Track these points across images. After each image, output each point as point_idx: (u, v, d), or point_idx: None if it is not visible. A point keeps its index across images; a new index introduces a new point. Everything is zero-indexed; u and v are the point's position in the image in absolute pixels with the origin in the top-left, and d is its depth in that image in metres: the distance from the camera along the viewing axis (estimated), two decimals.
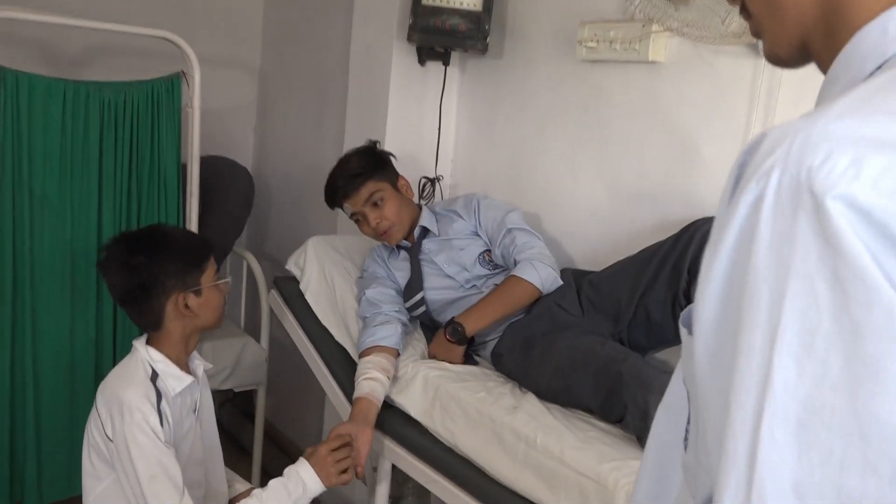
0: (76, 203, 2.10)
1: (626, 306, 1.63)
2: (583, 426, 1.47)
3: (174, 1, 2.80)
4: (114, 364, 2.18)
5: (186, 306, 1.49)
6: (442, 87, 2.19)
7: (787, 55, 0.60)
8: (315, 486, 1.51)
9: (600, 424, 1.49)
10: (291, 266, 2.06)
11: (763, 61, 1.40)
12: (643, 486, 0.69)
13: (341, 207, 1.87)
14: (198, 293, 1.51)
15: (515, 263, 1.75)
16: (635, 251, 1.67)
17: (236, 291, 2.64)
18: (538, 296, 1.72)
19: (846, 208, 0.41)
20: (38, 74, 2.04)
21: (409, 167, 2.11)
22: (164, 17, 2.60)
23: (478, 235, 1.89)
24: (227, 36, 2.99)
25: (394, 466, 1.73)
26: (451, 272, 1.84)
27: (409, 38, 2.05)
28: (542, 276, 1.70)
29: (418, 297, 1.85)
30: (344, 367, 1.84)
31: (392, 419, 1.67)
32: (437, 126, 2.21)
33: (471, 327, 1.69)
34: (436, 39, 2.03)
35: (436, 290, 1.85)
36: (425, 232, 1.90)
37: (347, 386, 1.78)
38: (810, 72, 0.60)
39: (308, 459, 1.53)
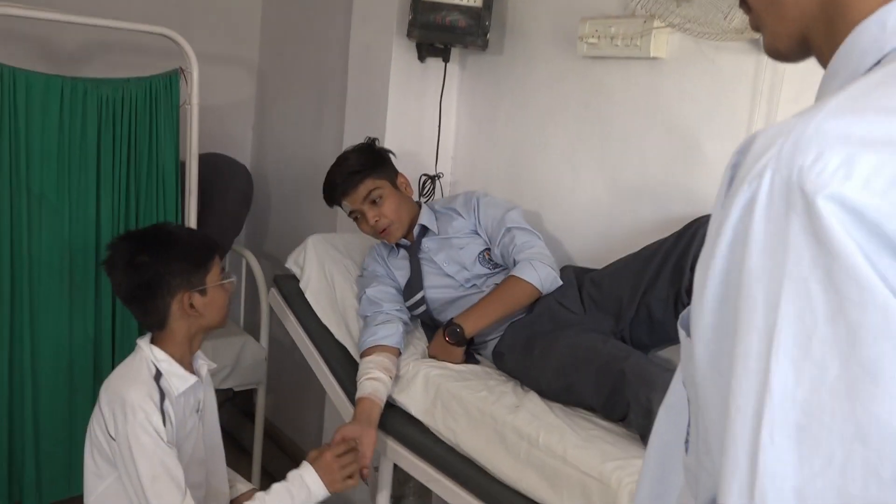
0: (74, 201, 2.09)
1: (628, 304, 1.62)
2: (585, 425, 1.46)
3: None
4: (113, 362, 2.19)
5: (191, 306, 1.49)
6: (442, 83, 2.18)
7: (787, 49, 0.60)
8: (319, 491, 1.49)
9: (603, 423, 1.48)
10: (291, 264, 2.05)
11: (765, 57, 1.39)
12: (645, 485, 0.69)
13: (340, 205, 1.86)
14: (203, 293, 1.50)
15: (515, 263, 1.74)
16: (636, 249, 1.66)
17: (235, 290, 2.62)
18: (538, 296, 1.71)
19: (838, 208, 0.41)
20: (36, 71, 2.02)
21: (409, 164, 2.09)
22: (162, 13, 2.59)
23: (477, 234, 1.88)
24: (225, 33, 2.97)
25: (395, 466, 1.72)
26: (450, 271, 1.83)
27: (409, 35, 2.04)
28: (541, 276, 1.69)
29: (418, 296, 1.84)
30: (344, 365, 1.83)
31: (393, 418, 1.66)
32: (438, 123, 2.20)
33: (470, 328, 1.68)
34: (436, 36, 2.02)
35: (436, 288, 1.84)
36: (424, 230, 1.88)
37: (348, 385, 1.77)
38: (813, 67, 0.59)
39: (312, 464, 1.51)
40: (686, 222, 1.59)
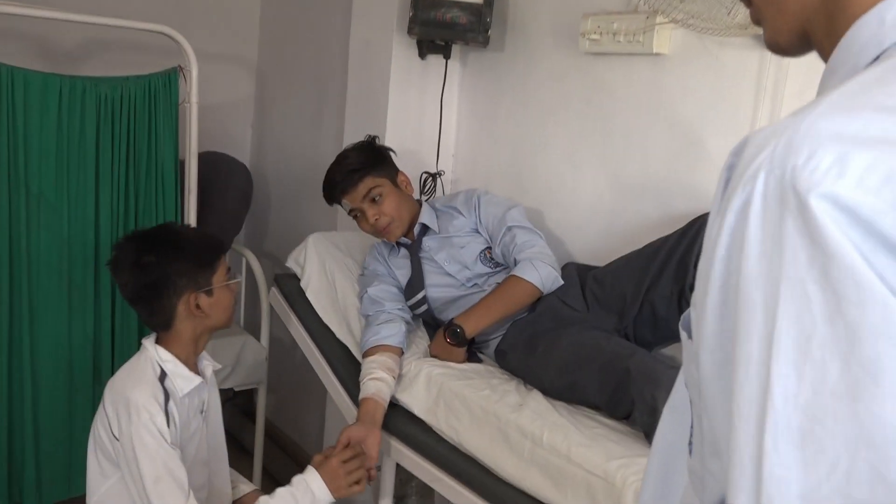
0: (73, 200, 2.08)
1: (632, 301, 1.61)
2: (589, 423, 1.45)
3: None
4: (113, 362, 2.18)
5: (198, 306, 1.48)
6: (443, 80, 2.17)
7: (788, 43, 0.59)
8: (324, 497, 1.48)
9: (607, 421, 1.47)
10: (292, 263, 2.04)
11: (769, 53, 1.38)
12: (649, 486, 0.69)
13: (339, 203, 1.85)
14: (209, 293, 1.49)
15: (516, 262, 1.73)
16: (639, 246, 1.66)
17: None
18: (539, 296, 1.70)
19: (831, 207, 0.40)
20: (34, 70, 2.01)
21: (410, 162, 2.08)
22: (161, 11, 2.57)
23: (478, 233, 1.86)
24: (224, 30, 2.96)
25: (397, 465, 1.71)
26: (451, 270, 1.82)
27: (410, 32, 2.03)
28: (542, 275, 1.68)
29: (420, 295, 1.83)
30: (346, 364, 1.82)
31: (395, 417, 1.65)
32: (439, 121, 2.19)
33: (470, 329, 1.67)
34: (436, 32, 2.01)
35: (437, 287, 1.83)
36: (425, 229, 1.87)
37: (350, 384, 1.76)
38: (818, 62, 0.58)
39: (318, 469, 1.50)
40: (689, 219, 1.58)
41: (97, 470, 1.46)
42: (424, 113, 2.21)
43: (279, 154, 3.01)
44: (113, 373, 2.15)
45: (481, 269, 1.82)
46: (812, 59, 0.59)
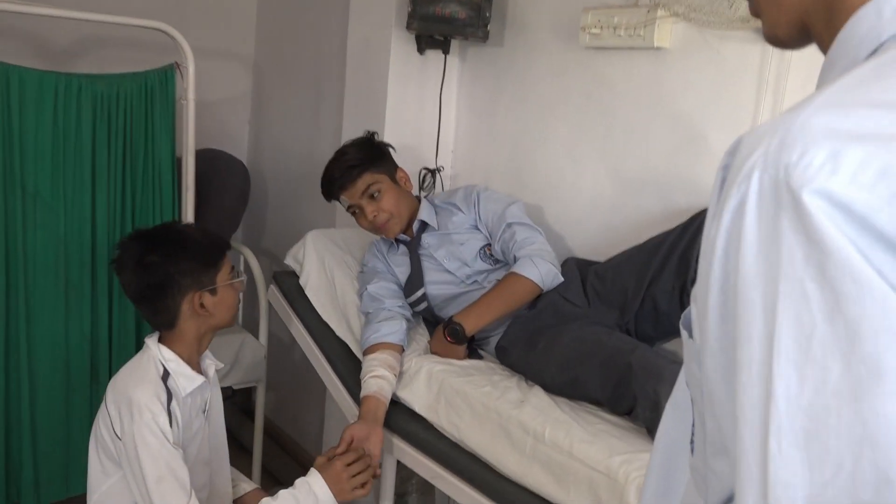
0: (69, 198, 2.07)
1: (633, 296, 1.61)
2: (591, 419, 1.45)
3: None
4: (110, 361, 2.17)
5: (202, 305, 1.47)
6: (442, 76, 2.16)
7: (787, 36, 0.59)
8: (327, 499, 1.47)
9: (609, 417, 1.47)
10: (290, 260, 2.03)
11: (771, 46, 1.37)
12: (651, 483, 0.68)
13: (338, 200, 1.84)
14: (213, 292, 1.49)
15: (515, 259, 1.72)
16: (640, 241, 1.65)
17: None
18: (538, 293, 1.69)
19: (825, 203, 0.40)
20: (29, 67, 1.99)
21: (409, 158, 2.07)
22: (157, 7, 2.55)
23: (478, 229, 1.85)
24: (221, 26, 2.94)
25: (398, 462, 1.70)
26: (451, 267, 1.81)
27: (408, 27, 2.02)
28: (542, 272, 1.67)
29: (419, 293, 1.82)
30: (346, 362, 1.81)
31: (396, 415, 1.64)
32: (438, 116, 2.18)
33: (470, 327, 1.66)
34: (435, 27, 2.00)
35: (436, 285, 1.82)
36: (424, 226, 1.86)
37: (350, 382, 1.76)
38: (820, 56, 0.58)
39: (321, 472, 1.48)
40: (690, 214, 1.57)
41: (98, 468, 1.46)
42: (423, 108, 2.20)
43: (277, 151, 3.00)
44: (111, 372, 2.16)
45: (481, 265, 1.81)
46: (815, 52, 0.58)
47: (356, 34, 2.28)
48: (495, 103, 2.14)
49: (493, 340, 1.74)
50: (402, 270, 1.86)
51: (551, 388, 1.56)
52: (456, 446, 1.54)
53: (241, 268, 2.62)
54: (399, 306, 1.78)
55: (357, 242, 2.06)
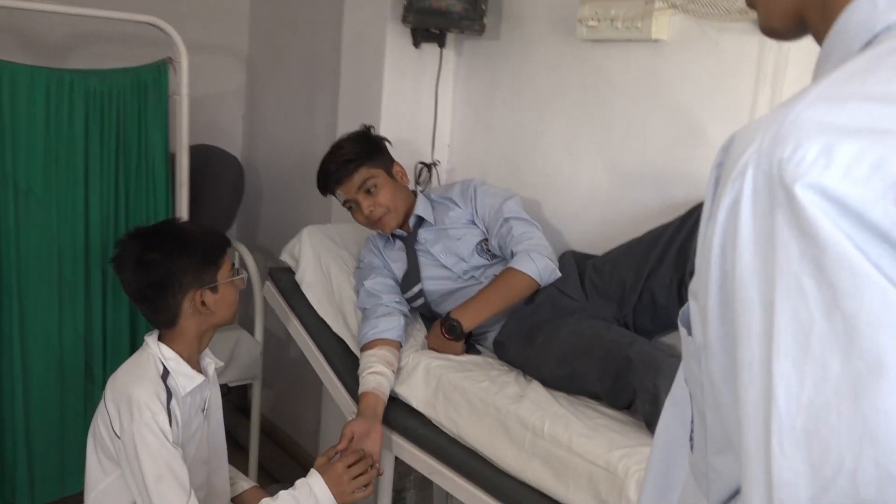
0: (62, 195, 2.05)
1: (631, 290, 1.60)
2: (590, 413, 1.44)
3: None
4: (105, 360, 2.16)
5: (203, 303, 1.46)
6: (437, 69, 2.14)
7: (783, 27, 0.58)
8: (327, 501, 1.45)
9: (608, 411, 1.46)
10: (286, 256, 2.02)
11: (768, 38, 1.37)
12: (650, 480, 0.68)
13: (334, 194, 1.83)
14: (214, 290, 1.48)
15: (512, 254, 1.71)
16: (638, 234, 1.65)
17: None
18: (536, 288, 1.68)
19: (819, 198, 0.40)
20: (20, 63, 1.97)
21: (405, 152, 2.06)
22: (149, 1, 2.53)
23: (474, 224, 1.84)
24: (213, 21, 2.92)
25: (396, 458, 1.69)
26: (447, 263, 1.80)
27: (404, 20, 2.00)
28: (539, 267, 1.66)
29: (416, 288, 1.81)
30: (343, 359, 1.80)
31: (394, 411, 1.63)
32: (433, 110, 2.17)
33: (467, 323, 1.65)
34: (431, 20, 1.99)
35: (433, 280, 1.81)
36: (420, 221, 1.85)
37: (348, 378, 1.74)
38: (818, 48, 0.56)
39: (322, 473, 1.47)
40: (688, 207, 1.57)
41: (97, 466, 1.45)
42: (419, 102, 2.19)
43: (271, 146, 2.98)
44: (105, 370, 2.15)
45: (478, 261, 1.80)
46: (814, 44, 0.58)
47: (351, 28, 2.27)
48: (492, 97, 2.13)
49: (491, 335, 1.73)
50: (399, 266, 1.85)
51: (550, 383, 1.55)
52: (454, 442, 1.53)
53: (236, 264, 2.61)
54: (396, 302, 1.77)
55: (353, 238, 2.05)
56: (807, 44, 0.59)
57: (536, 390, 1.52)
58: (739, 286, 0.44)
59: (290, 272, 2.01)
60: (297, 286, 1.95)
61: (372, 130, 1.89)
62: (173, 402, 1.42)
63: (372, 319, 1.71)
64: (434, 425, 1.57)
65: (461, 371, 1.59)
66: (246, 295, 2.63)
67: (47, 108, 1.99)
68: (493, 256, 1.81)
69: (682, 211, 1.57)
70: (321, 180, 1.82)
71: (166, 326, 1.48)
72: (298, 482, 1.47)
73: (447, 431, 1.55)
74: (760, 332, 0.43)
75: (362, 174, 1.77)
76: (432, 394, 1.59)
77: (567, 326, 1.58)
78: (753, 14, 1.55)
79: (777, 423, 0.41)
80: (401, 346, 1.71)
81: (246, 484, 1.67)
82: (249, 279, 2.50)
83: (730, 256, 0.44)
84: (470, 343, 1.74)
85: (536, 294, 1.70)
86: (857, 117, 0.42)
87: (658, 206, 1.70)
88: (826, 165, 0.40)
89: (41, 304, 2.05)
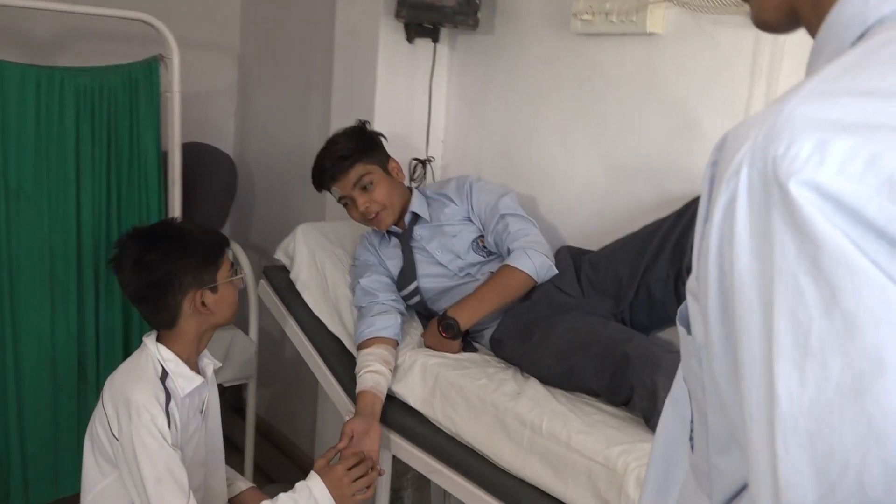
0: (53, 194, 2.03)
1: (628, 285, 1.60)
2: (588, 410, 1.44)
3: None
4: (98, 360, 2.14)
5: (203, 304, 1.45)
6: (431, 65, 2.13)
7: (775, 20, 0.58)
8: None
9: (606, 408, 1.46)
10: (280, 255, 2.01)
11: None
12: (651, 479, 0.68)
13: (329, 190, 1.81)
14: (214, 290, 1.47)
15: (509, 251, 1.70)
16: (634, 229, 1.64)
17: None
18: (533, 285, 1.67)
19: (814, 195, 0.39)
20: (9, 61, 1.95)
21: (399, 148, 2.04)
22: None
23: (470, 221, 1.83)
24: (204, 17, 2.89)
25: (393, 457, 1.69)
26: (443, 260, 1.79)
27: (397, 15, 1.99)
28: (536, 264, 1.65)
29: (412, 286, 1.80)
30: (339, 357, 1.79)
31: (391, 409, 1.62)
32: (428, 106, 2.15)
33: (465, 321, 1.64)
34: (424, 15, 1.97)
35: (429, 278, 1.80)
36: (416, 218, 1.84)
37: (344, 377, 1.73)
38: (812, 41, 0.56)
39: (322, 476, 1.46)
40: (684, 201, 1.56)
41: (94, 468, 1.44)
42: (413, 98, 2.18)
43: (264, 143, 2.96)
44: (98, 370, 2.13)
45: (474, 258, 1.79)
46: (809, 37, 0.57)
47: (343, 23, 2.25)
48: (486, 92, 2.12)
49: (488, 333, 1.72)
50: (395, 263, 1.83)
51: (547, 380, 1.54)
52: (452, 440, 1.52)
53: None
54: (393, 300, 1.76)
55: (348, 235, 2.04)
56: (802, 37, 0.59)
57: (534, 387, 1.52)
58: (738, 286, 0.43)
59: (284, 270, 1.99)
60: (291, 284, 1.93)
61: (367, 125, 1.88)
62: (172, 403, 1.40)
63: (368, 318, 1.70)
64: (432, 423, 1.57)
65: (458, 369, 1.58)
66: (240, 294, 2.62)
67: (37, 106, 1.97)
68: (489, 253, 1.80)
69: (677, 205, 1.57)
70: (316, 176, 1.80)
71: (165, 327, 1.47)
72: (298, 485, 1.45)
73: (445, 430, 1.54)
74: (760, 333, 0.42)
75: (358, 170, 1.75)
76: (429, 392, 1.58)
77: (564, 323, 1.57)
78: (748, 7, 1.54)
79: (781, 424, 0.41)
80: (397, 344, 1.69)
81: (243, 484, 1.66)
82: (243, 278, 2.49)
83: (727, 256, 0.44)
84: (467, 340, 1.73)
85: (533, 291, 1.69)
86: (850, 112, 0.41)
87: (654, 200, 1.70)
88: (820, 162, 0.39)
89: (33, 303, 2.03)
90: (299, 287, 1.91)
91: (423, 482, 2.05)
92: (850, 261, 0.39)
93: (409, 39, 2.10)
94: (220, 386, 2.42)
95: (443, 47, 2.16)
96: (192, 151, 2.40)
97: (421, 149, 2.18)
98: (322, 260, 1.93)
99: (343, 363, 1.76)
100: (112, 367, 2.08)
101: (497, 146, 2.10)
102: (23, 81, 1.94)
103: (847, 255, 0.39)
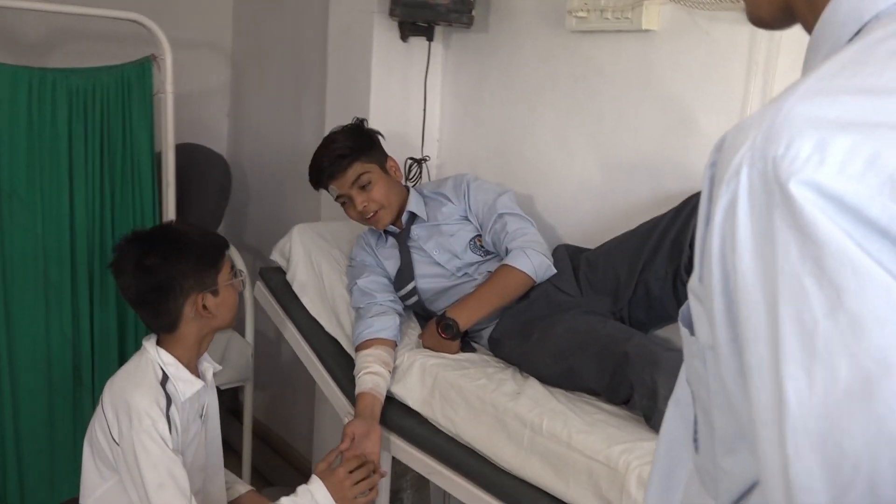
0: (46, 197, 2.02)
1: (626, 283, 1.59)
2: (588, 409, 1.43)
3: None
4: (93, 363, 2.12)
5: (205, 307, 1.44)
6: (426, 63, 2.12)
7: (770, 16, 0.58)
8: None
9: (606, 407, 1.45)
10: (276, 256, 1.99)
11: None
12: (655, 480, 0.68)
13: (326, 189, 1.80)
14: (215, 293, 1.46)
15: (507, 251, 1.69)
16: (631, 227, 1.63)
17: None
18: (531, 285, 1.67)
19: (815, 195, 0.39)
20: (0, 62, 1.93)
21: (394, 148, 2.03)
22: None
23: (468, 220, 1.82)
24: (195, 16, 2.88)
25: (393, 459, 1.68)
26: (441, 260, 1.78)
27: (391, 13, 1.98)
28: (535, 264, 1.65)
29: (409, 286, 1.79)
30: (337, 359, 1.78)
31: (390, 410, 1.61)
32: (423, 105, 2.14)
33: (464, 322, 1.63)
34: (418, 14, 1.96)
35: (427, 278, 1.79)
36: (413, 217, 1.83)
37: (342, 379, 1.72)
38: (809, 38, 0.55)
39: (324, 480, 1.45)
40: (681, 198, 1.56)
41: (94, 472, 1.43)
42: (407, 97, 2.17)
43: (257, 144, 2.95)
44: (93, 373, 2.12)
45: (471, 257, 1.78)
46: (804, 34, 0.56)
47: (337, 22, 2.24)
48: (481, 90, 2.11)
49: (486, 333, 1.71)
50: (392, 263, 1.82)
51: (546, 380, 1.54)
52: (452, 441, 1.51)
53: None
54: (391, 301, 1.75)
55: (344, 236, 2.03)
56: (798, 33, 0.58)
57: (534, 387, 1.51)
58: (742, 288, 0.43)
59: (280, 272, 1.98)
60: (288, 286, 1.92)
61: (365, 123, 1.87)
62: (172, 408, 1.40)
63: (366, 319, 1.69)
64: (431, 424, 1.56)
65: (457, 369, 1.58)
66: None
67: (29, 108, 1.96)
68: (487, 253, 1.79)
69: (674, 202, 1.56)
70: (314, 174, 1.79)
71: (166, 331, 1.46)
72: (300, 488, 1.45)
73: (444, 430, 1.53)
74: (766, 335, 0.42)
75: (356, 169, 1.74)
76: (428, 392, 1.57)
77: (562, 322, 1.57)
78: (743, 3, 1.54)
79: (791, 427, 0.41)
80: (396, 345, 1.69)
81: (242, 488, 1.65)
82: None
83: (730, 258, 0.44)
84: (465, 341, 1.72)
85: (531, 290, 1.69)
86: (848, 111, 0.41)
87: (651, 197, 1.69)
88: (820, 162, 0.39)
89: (27, 307, 2.02)
90: (296, 288, 1.90)
91: (422, 483, 2.04)
92: (853, 261, 0.38)
93: (404, 38, 2.09)
94: (216, 388, 2.41)
95: (437, 46, 2.15)
96: (186, 152, 2.39)
97: (416, 148, 2.17)
98: (318, 261, 1.92)
99: (341, 365, 1.75)
100: (107, 370, 2.09)
101: (492, 145, 2.09)
102: (14, 83, 1.93)
103: (850, 255, 0.38)
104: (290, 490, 1.45)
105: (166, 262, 1.41)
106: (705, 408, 0.55)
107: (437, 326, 1.64)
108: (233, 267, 1.53)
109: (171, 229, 1.57)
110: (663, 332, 1.66)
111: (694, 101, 1.62)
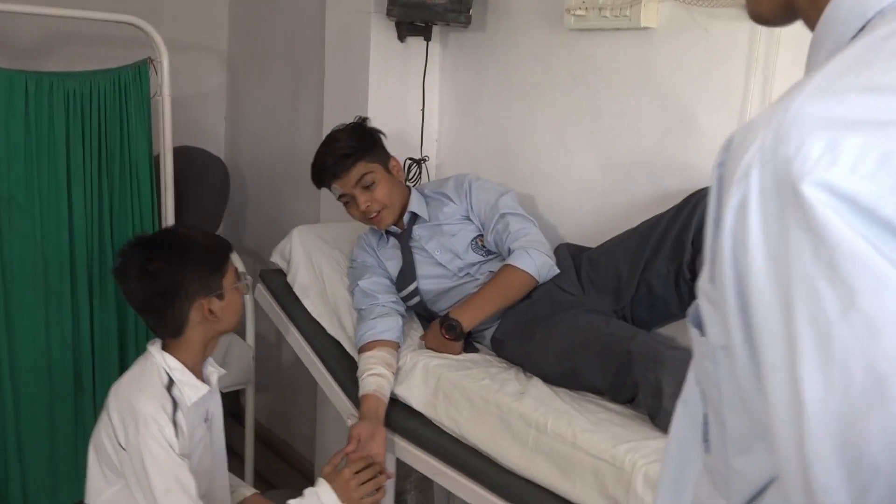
0: (44, 201, 2.01)
1: (628, 281, 1.59)
2: (593, 408, 1.43)
3: None
4: (93, 367, 2.12)
5: (211, 311, 1.43)
6: (424, 63, 2.11)
7: (771, 13, 0.57)
8: None
9: (610, 406, 1.45)
10: (277, 258, 1.99)
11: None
12: (665, 481, 0.67)
13: (329, 188, 1.79)
14: (221, 297, 1.45)
15: (509, 251, 1.69)
16: (632, 225, 1.63)
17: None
18: (534, 285, 1.66)
19: (828, 196, 0.38)
20: None
21: (394, 148, 2.02)
22: (125, 1, 2.48)
23: (469, 220, 1.82)
24: (191, 19, 2.87)
25: (397, 460, 1.67)
26: (443, 260, 1.78)
27: (389, 13, 1.97)
28: (538, 264, 1.64)
29: (411, 287, 1.78)
30: (340, 361, 1.77)
31: (394, 412, 1.61)
32: (421, 105, 2.14)
33: (467, 323, 1.62)
34: (416, 13, 1.96)
35: (428, 278, 1.78)
36: (415, 217, 1.82)
37: (345, 380, 1.72)
38: (810, 34, 0.55)
39: (329, 481, 1.45)
40: (682, 196, 1.55)
41: (99, 477, 1.42)
42: (406, 97, 2.16)
43: (255, 146, 2.94)
44: (94, 378, 2.12)
45: (473, 257, 1.78)
46: (805, 29, 0.56)
47: (334, 23, 2.23)
48: (479, 90, 2.11)
49: (489, 333, 1.71)
50: (394, 264, 1.82)
51: (550, 379, 1.53)
52: (456, 441, 1.51)
53: None
54: (393, 301, 1.75)
55: (345, 237, 2.02)
56: (798, 29, 0.58)
57: (537, 387, 1.51)
58: (755, 290, 0.43)
59: (281, 274, 1.98)
60: (289, 288, 1.91)
61: (367, 122, 1.86)
62: (178, 412, 1.39)
63: (369, 320, 1.69)
64: (435, 425, 1.56)
65: (460, 369, 1.57)
66: None
67: (26, 112, 1.95)
68: (489, 253, 1.79)
69: (674, 200, 1.56)
70: (317, 173, 1.78)
71: (172, 336, 1.45)
72: (307, 491, 1.44)
73: (448, 431, 1.53)
74: (782, 337, 0.41)
75: (360, 169, 1.73)
76: (432, 393, 1.57)
77: (565, 322, 1.56)
78: None
79: (809, 430, 0.40)
80: (399, 346, 1.68)
81: (247, 491, 1.65)
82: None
83: (741, 259, 0.43)
84: (468, 341, 1.71)
85: (533, 289, 1.68)
86: (857, 110, 0.41)
87: (651, 195, 1.69)
88: (832, 162, 0.39)
89: (27, 311, 2.02)
90: (297, 290, 1.89)
91: (426, 484, 2.04)
92: (867, 262, 0.38)
93: (401, 38, 2.09)
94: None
95: (435, 45, 2.15)
96: (183, 155, 2.38)
97: (415, 148, 2.17)
98: (319, 262, 1.92)
99: (343, 366, 1.74)
100: (108, 374, 2.08)
101: (492, 144, 2.09)
102: (11, 87, 1.92)
103: (865, 256, 0.38)
104: (294, 493, 1.45)
105: (171, 266, 1.41)
106: (716, 408, 0.54)
107: (441, 327, 1.63)
108: (237, 270, 1.52)
109: (174, 233, 1.56)
110: (666, 331, 1.66)
111: (693, 99, 1.61)
